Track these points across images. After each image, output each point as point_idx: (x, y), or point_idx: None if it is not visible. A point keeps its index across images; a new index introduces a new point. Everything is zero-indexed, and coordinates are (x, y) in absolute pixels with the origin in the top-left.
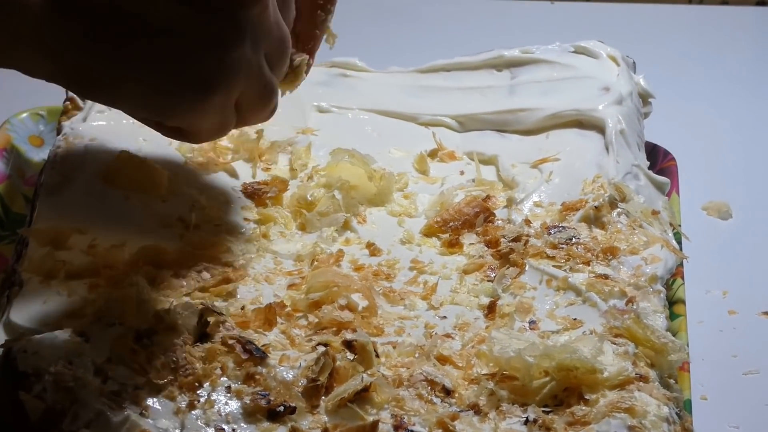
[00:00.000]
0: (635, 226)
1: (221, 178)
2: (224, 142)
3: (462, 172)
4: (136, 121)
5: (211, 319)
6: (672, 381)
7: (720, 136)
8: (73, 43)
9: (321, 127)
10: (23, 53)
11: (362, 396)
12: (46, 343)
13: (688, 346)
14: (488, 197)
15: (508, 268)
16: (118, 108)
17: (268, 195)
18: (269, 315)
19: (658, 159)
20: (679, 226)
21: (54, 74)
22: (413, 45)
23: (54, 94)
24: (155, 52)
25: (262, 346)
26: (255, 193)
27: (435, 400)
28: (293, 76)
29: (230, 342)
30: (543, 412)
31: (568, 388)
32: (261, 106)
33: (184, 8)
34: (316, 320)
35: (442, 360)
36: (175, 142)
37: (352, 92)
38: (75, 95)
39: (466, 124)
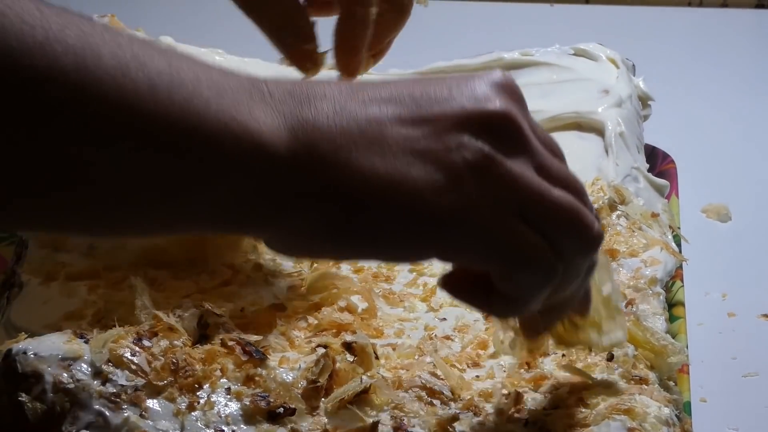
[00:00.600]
0: (634, 229)
1: None
2: None
3: None
4: None
5: (210, 321)
6: (671, 383)
7: (719, 138)
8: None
9: None
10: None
11: (362, 398)
12: (46, 345)
13: (687, 348)
14: None
15: None
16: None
17: None
18: (269, 317)
19: (658, 161)
20: (679, 228)
21: (291, 251)
22: (412, 48)
23: None
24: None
25: (262, 347)
26: None
27: (435, 402)
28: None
29: (230, 343)
30: (543, 414)
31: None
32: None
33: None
34: (316, 322)
35: (445, 361)
36: None
37: None
38: None
39: None
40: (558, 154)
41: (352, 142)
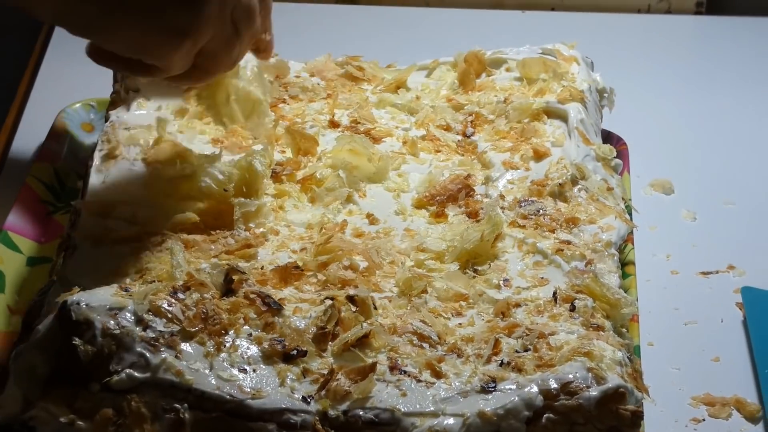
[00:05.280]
0: (593, 200)
1: None
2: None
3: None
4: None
5: (235, 277)
6: (624, 330)
7: (664, 123)
8: None
9: None
10: None
11: (363, 341)
12: (96, 297)
13: (637, 300)
14: (469, 176)
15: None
16: (109, 47)
17: (284, 173)
18: (284, 274)
19: (612, 143)
20: (630, 200)
21: (56, 17)
22: (393, 53)
23: (103, 88)
24: (142, 3)
25: (279, 299)
26: (272, 172)
27: (424, 345)
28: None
29: (251, 296)
30: (516, 356)
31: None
32: (223, 55)
33: None
34: (324, 278)
35: (432, 311)
36: (205, 133)
37: None
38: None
39: None
40: None
41: None
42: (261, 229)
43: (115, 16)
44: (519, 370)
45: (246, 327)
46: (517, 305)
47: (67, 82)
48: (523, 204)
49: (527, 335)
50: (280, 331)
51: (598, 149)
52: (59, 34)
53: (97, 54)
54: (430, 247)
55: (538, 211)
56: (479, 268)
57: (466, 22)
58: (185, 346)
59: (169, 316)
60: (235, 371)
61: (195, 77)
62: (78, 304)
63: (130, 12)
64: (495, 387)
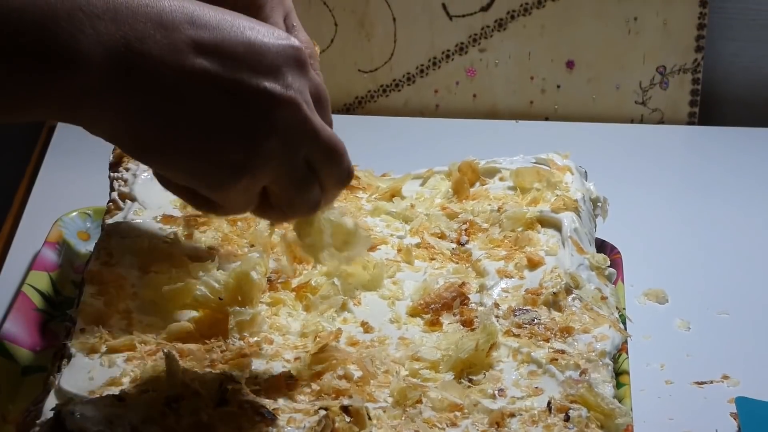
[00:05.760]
0: (587, 309)
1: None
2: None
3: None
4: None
5: (229, 387)
6: None
7: (658, 233)
8: (134, 111)
9: None
10: (87, 113)
11: None
12: (90, 406)
13: (632, 410)
14: (463, 284)
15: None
16: (165, 173)
17: (279, 281)
18: (278, 383)
19: (606, 252)
20: (624, 309)
21: (113, 136)
22: (389, 162)
23: (99, 197)
24: (198, 134)
25: (273, 409)
26: (267, 280)
27: None
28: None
29: (245, 406)
30: None
31: None
32: (296, 198)
33: (228, 100)
34: (318, 388)
35: (426, 422)
36: (200, 241)
37: None
38: (130, 156)
39: None
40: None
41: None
42: (255, 338)
43: (169, 141)
44: None
45: None
46: (512, 415)
47: (64, 190)
48: (517, 313)
49: None
50: None
51: (591, 258)
52: (57, 143)
53: (160, 177)
54: (425, 356)
55: (533, 320)
56: (474, 378)
57: (460, 131)
58: None
59: (164, 425)
60: None
61: (273, 218)
62: (72, 414)
63: (184, 139)
64: None
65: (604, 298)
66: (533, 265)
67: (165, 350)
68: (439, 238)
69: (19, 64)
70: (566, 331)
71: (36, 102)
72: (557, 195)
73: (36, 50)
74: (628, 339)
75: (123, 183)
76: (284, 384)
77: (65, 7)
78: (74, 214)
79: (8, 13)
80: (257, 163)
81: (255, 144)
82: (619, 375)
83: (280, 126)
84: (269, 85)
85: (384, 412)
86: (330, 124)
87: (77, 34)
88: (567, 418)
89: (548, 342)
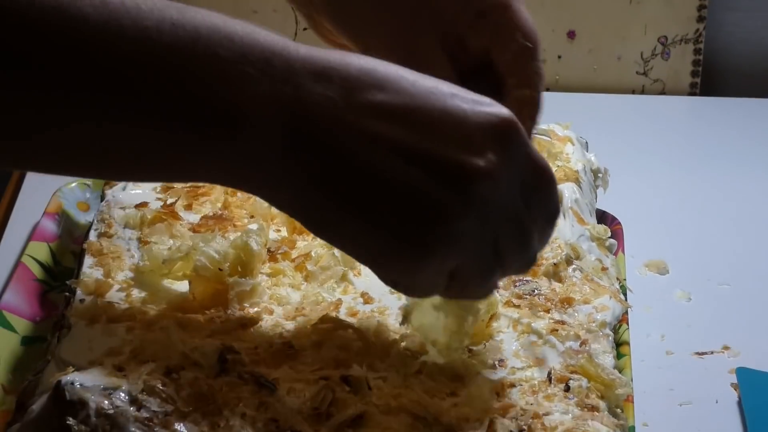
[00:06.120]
0: (588, 280)
1: None
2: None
3: None
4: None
5: (229, 357)
6: (619, 410)
7: (659, 204)
8: (308, 181)
9: None
10: (257, 179)
11: (357, 422)
12: (90, 377)
13: (632, 381)
14: None
15: None
16: (338, 247)
17: (279, 252)
18: (278, 353)
19: (607, 223)
20: (624, 280)
21: (284, 206)
22: None
23: None
24: (383, 208)
25: (273, 379)
26: (267, 251)
27: (419, 425)
28: None
29: (245, 376)
30: None
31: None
32: (475, 284)
33: (418, 172)
34: (318, 358)
35: (426, 391)
36: (200, 212)
37: None
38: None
39: None
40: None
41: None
42: (255, 309)
43: (347, 217)
44: None
45: (240, 407)
46: (512, 385)
47: None
48: (518, 284)
49: (522, 416)
50: (274, 411)
51: (592, 229)
52: None
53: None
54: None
55: (533, 291)
56: (474, 348)
57: None
58: (179, 426)
59: (164, 396)
60: None
61: (443, 294)
62: (72, 384)
63: (364, 213)
64: None
65: (604, 269)
66: None
67: (165, 321)
68: None
69: (189, 125)
70: (566, 302)
71: (204, 165)
72: (558, 166)
73: (206, 111)
74: (629, 310)
75: None
76: (284, 354)
77: (240, 65)
78: (74, 184)
79: (173, 70)
80: (447, 245)
81: (447, 223)
82: (619, 346)
83: (476, 204)
84: (465, 157)
85: (384, 381)
86: (552, 211)
87: (250, 94)
88: (567, 389)
89: (548, 313)
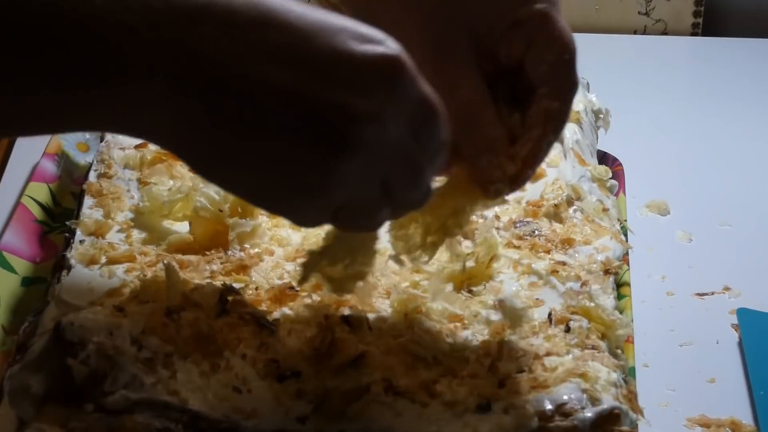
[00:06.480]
0: (588, 221)
1: None
2: None
3: None
4: None
5: (230, 298)
6: (619, 351)
7: (660, 144)
8: (194, 125)
9: None
10: (144, 125)
11: (357, 362)
12: (90, 317)
13: (632, 321)
14: None
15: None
16: (225, 190)
17: None
18: (279, 294)
19: (608, 164)
20: (625, 221)
21: (171, 147)
22: None
23: None
24: (268, 152)
25: (273, 320)
26: None
27: (419, 366)
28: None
29: (246, 317)
30: (511, 377)
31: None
32: (363, 219)
33: (300, 115)
34: (319, 299)
35: (426, 332)
36: None
37: None
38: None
39: None
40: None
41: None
42: (256, 250)
43: (230, 160)
44: (516, 392)
45: (240, 347)
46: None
47: None
48: (518, 224)
49: (522, 357)
50: (275, 352)
51: (593, 170)
52: None
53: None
54: (425, 267)
55: (534, 232)
56: (474, 289)
57: None
58: (180, 366)
59: (164, 336)
60: (230, 391)
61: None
62: (72, 324)
63: (247, 159)
64: (490, 408)
65: (605, 210)
66: (535, 176)
67: (165, 261)
68: None
69: (69, 76)
70: (567, 243)
71: (87, 115)
72: None
73: (86, 61)
74: (630, 250)
75: None
76: (285, 295)
77: (117, 14)
78: None
79: (56, 23)
80: (331, 186)
81: (329, 165)
82: (620, 286)
83: (359, 148)
84: (350, 99)
85: (384, 322)
86: (439, 144)
87: (130, 40)
88: (568, 329)
89: (549, 254)
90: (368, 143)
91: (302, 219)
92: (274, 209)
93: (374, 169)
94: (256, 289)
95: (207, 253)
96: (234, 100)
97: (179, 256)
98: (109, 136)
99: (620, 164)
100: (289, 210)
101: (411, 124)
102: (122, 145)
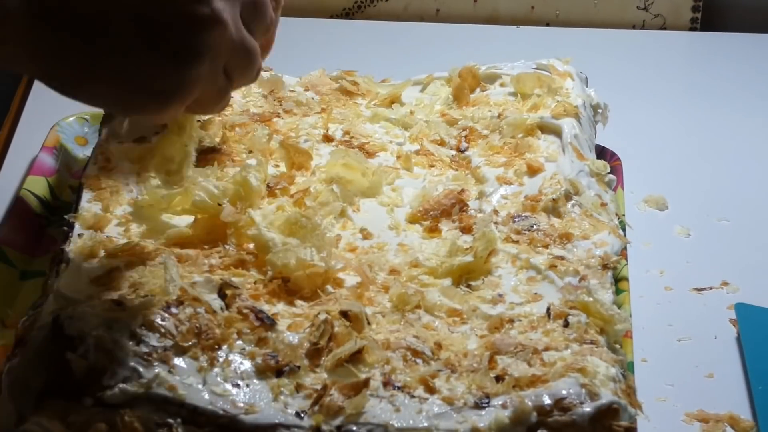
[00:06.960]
0: (587, 216)
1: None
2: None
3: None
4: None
5: (228, 292)
6: (618, 346)
7: (658, 139)
8: (52, 50)
9: None
10: (9, 54)
11: (356, 357)
12: (89, 311)
13: (631, 316)
14: (463, 190)
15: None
16: (92, 105)
17: (278, 188)
18: (277, 288)
19: (606, 159)
20: (623, 215)
21: (36, 74)
22: (389, 68)
23: None
24: (125, 68)
25: (272, 314)
26: (267, 186)
27: (418, 360)
28: None
29: (245, 311)
30: (510, 371)
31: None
32: (212, 105)
33: (146, 28)
34: (318, 293)
35: (425, 327)
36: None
37: None
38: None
39: None
40: None
41: None
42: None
43: (90, 76)
44: (514, 386)
45: (239, 342)
46: (511, 321)
47: (62, 96)
48: (516, 219)
49: (521, 351)
50: (273, 346)
51: (592, 165)
52: None
53: None
54: (424, 262)
55: (532, 227)
56: (473, 284)
57: (460, 37)
58: (178, 361)
59: (163, 330)
60: (228, 386)
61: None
62: (71, 318)
63: (106, 73)
64: (488, 403)
65: (603, 205)
66: (533, 171)
67: (163, 255)
68: (439, 144)
69: None
70: (565, 238)
71: None
72: (558, 101)
73: None
74: (628, 245)
75: None
76: (284, 290)
77: None
78: (72, 118)
79: None
80: (186, 88)
81: (182, 71)
82: (618, 281)
83: (206, 51)
84: (191, 8)
85: (383, 316)
86: (269, 23)
87: None
88: (566, 324)
89: (547, 248)
90: (214, 45)
91: (161, 117)
92: (135, 114)
93: (220, 64)
94: (255, 283)
95: (206, 247)
96: (88, 26)
97: (177, 250)
98: (107, 130)
99: (618, 159)
100: (149, 112)
101: (243, 10)
102: (121, 139)
